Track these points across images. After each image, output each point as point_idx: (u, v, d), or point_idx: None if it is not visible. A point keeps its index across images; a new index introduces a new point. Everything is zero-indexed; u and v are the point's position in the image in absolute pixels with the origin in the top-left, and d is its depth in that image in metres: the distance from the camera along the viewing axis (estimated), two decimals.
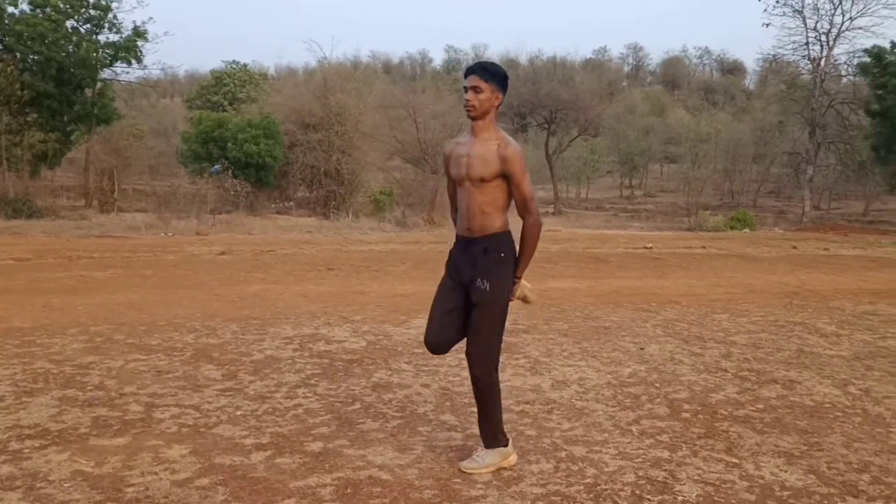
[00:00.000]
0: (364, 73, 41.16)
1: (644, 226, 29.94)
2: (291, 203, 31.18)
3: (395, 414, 4.25)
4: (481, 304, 3.44)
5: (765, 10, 48.02)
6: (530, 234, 3.49)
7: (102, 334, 5.92)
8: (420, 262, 11.62)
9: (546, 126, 43.69)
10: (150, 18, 28.96)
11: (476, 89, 3.44)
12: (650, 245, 16.28)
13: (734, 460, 3.72)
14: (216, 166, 25.41)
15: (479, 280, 3.44)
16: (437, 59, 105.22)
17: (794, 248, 17.48)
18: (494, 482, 3.36)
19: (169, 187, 25.23)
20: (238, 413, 4.14)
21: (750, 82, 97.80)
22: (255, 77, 50.48)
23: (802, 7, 37.61)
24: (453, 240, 3.66)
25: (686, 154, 59.33)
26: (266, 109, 30.71)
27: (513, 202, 3.49)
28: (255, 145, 26.99)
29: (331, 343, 5.89)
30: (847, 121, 39.60)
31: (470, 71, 3.49)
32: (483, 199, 3.45)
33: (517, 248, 3.51)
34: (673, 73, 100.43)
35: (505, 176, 3.41)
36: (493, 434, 3.55)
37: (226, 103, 45.57)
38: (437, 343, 3.58)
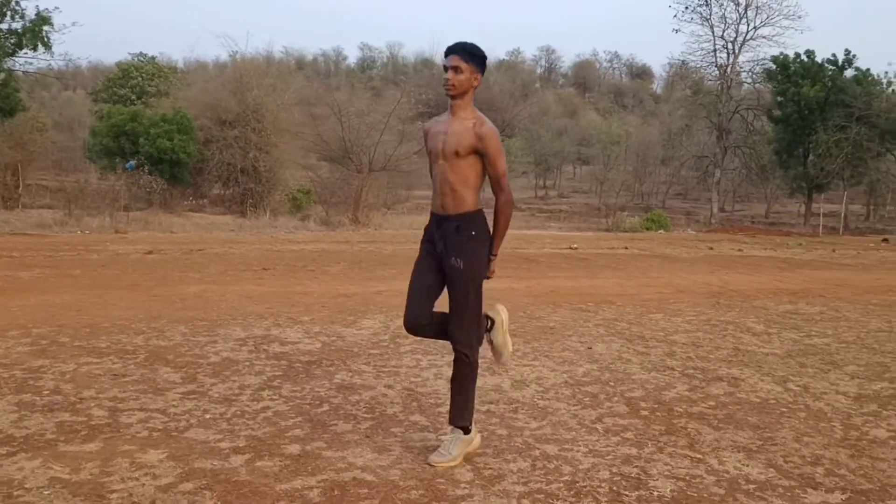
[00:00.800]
0: (279, 68, 40.62)
1: (563, 226, 30.56)
2: (205, 200, 30.52)
3: (364, 415, 4.27)
4: (457, 283, 3.59)
5: (675, 16, 49.54)
6: (503, 211, 3.62)
7: (46, 336, 5.72)
8: (355, 262, 11.59)
9: None
10: (56, 8, 27.74)
11: (456, 69, 3.54)
12: (576, 245, 16.68)
13: (698, 455, 3.89)
14: (132, 162, 24.64)
15: (452, 258, 3.56)
16: (352, 56, 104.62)
17: (711, 248, 18.20)
18: (477, 481, 3.43)
19: (76, 183, 24.29)
20: (207, 416, 4.08)
21: (657, 87, 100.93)
22: (164, 70, 49.03)
23: (710, 15, 39.08)
24: (423, 230, 3.81)
25: (598, 156, 60.92)
26: (178, 104, 29.98)
27: (485, 183, 3.62)
28: (168, 141, 26.32)
29: (285, 344, 5.85)
30: (751, 126, 41.39)
31: (450, 51, 3.58)
32: (456, 176, 3.56)
33: (490, 227, 3.64)
34: (584, 76, 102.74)
35: (479, 154, 3.52)
36: (466, 413, 3.69)
37: (134, 97, 44.09)
38: (416, 323, 3.70)
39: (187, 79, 41.73)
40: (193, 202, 29.18)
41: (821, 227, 31.47)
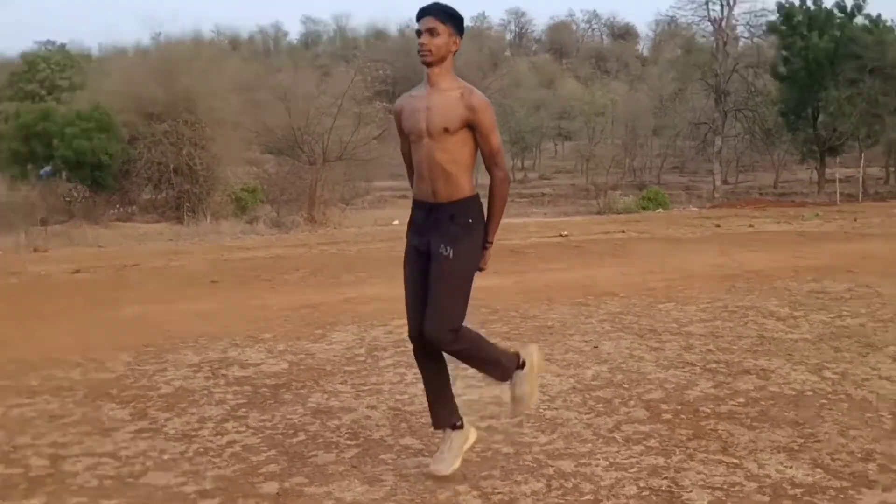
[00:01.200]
0: (210, 50, 40.32)
1: (548, 212, 30.76)
2: (134, 207, 30.19)
3: (347, 442, 4.23)
4: (441, 272, 3.55)
5: None
6: (500, 190, 3.66)
7: None
8: (316, 267, 11.54)
9: None
10: None
11: (432, 31, 3.52)
12: (566, 232, 16.77)
13: (733, 461, 3.90)
14: (46, 168, 24.31)
15: (441, 246, 3.53)
16: (294, 32, 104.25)
17: (718, 226, 18.40)
18: None
19: None
20: (165, 457, 4.02)
21: (643, 48, 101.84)
22: (76, 59, 48.52)
23: None
24: (407, 222, 3.80)
25: (582, 130, 61.19)
26: (96, 98, 29.56)
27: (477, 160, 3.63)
28: (86, 141, 25.94)
29: (246, 367, 5.80)
30: (753, 86, 41.83)
31: (424, 12, 3.56)
32: (446, 156, 3.53)
33: (485, 211, 3.66)
34: (560, 41, 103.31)
35: (471, 127, 3.49)
36: (503, 367, 3.85)
37: (44, 92, 43.57)
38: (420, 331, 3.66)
39: (104, 67, 41.17)
40: (121, 210, 28.88)
41: (837, 195, 31.86)
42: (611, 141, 59.45)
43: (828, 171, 36.95)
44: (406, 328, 3.81)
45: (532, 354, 3.93)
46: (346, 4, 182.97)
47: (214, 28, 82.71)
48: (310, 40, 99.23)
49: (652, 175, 55.81)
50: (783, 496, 3.49)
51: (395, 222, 22.18)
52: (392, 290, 9.16)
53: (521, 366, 3.86)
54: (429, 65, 3.52)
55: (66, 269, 11.62)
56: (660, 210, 26.37)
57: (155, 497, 3.55)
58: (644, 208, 26.81)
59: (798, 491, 3.55)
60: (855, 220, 19.96)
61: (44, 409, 4.86)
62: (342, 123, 24.52)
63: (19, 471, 3.87)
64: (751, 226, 18.53)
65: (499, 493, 3.56)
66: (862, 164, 35.61)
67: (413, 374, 5.52)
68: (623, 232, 17.08)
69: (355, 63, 34.05)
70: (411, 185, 3.73)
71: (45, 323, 7.70)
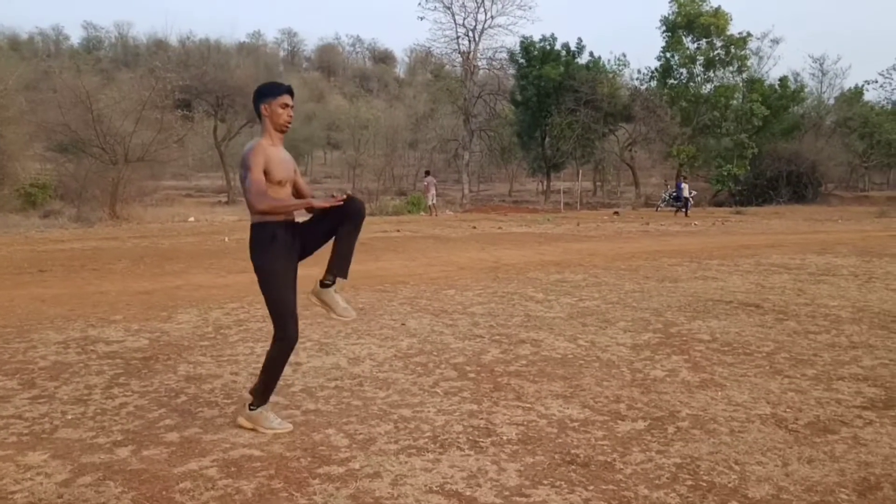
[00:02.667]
0: None
1: None
2: None
3: (225, 401, 4.52)
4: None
5: (419, 3, 51.42)
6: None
7: None
8: (136, 258, 11.25)
9: (213, 113, 42.80)
10: None
11: (293, 108, 4.04)
12: None
13: (527, 405, 4.60)
14: None
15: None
16: (75, 36, 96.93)
17: (474, 227, 19.53)
18: (354, 445, 3.87)
19: None
20: (69, 417, 4.13)
21: (401, 71, 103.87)
22: None
23: (451, 3, 41.06)
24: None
25: (348, 140, 61.71)
26: None
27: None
28: None
29: (111, 344, 5.82)
30: (493, 110, 44.20)
31: (289, 91, 4.02)
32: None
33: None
34: (328, 60, 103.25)
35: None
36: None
37: None
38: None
39: None
40: None
41: (561, 204, 34.51)
42: (374, 151, 60.42)
43: (552, 183, 39.90)
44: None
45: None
46: (127, 13, 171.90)
47: None
48: (91, 45, 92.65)
49: (409, 182, 57.31)
50: (567, 428, 4.22)
51: (192, 219, 21.68)
52: (215, 279, 9.29)
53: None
54: (286, 131, 4.00)
55: None
56: (422, 213, 27.38)
57: (74, 447, 3.70)
58: (409, 211, 27.71)
59: (576, 424, 4.29)
60: (578, 224, 21.86)
61: None
62: (140, 128, 23.52)
63: None
64: (499, 227, 19.82)
65: (360, 433, 4.03)
66: (579, 179, 38.78)
67: (261, 347, 5.86)
68: (398, 231, 17.75)
69: (139, 71, 32.53)
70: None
71: None
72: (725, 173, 37.51)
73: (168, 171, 36.87)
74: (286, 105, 3.95)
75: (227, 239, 13.81)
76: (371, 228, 18.57)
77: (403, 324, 6.86)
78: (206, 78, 41.10)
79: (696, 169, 40.87)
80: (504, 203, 40.42)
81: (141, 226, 18.75)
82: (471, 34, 42.11)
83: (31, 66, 45.05)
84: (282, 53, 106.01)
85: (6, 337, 5.98)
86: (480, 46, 42.98)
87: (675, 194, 31.51)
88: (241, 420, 4.07)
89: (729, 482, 3.54)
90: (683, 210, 29.25)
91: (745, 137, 37.72)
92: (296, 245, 4.04)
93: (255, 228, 3.92)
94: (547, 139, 39.84)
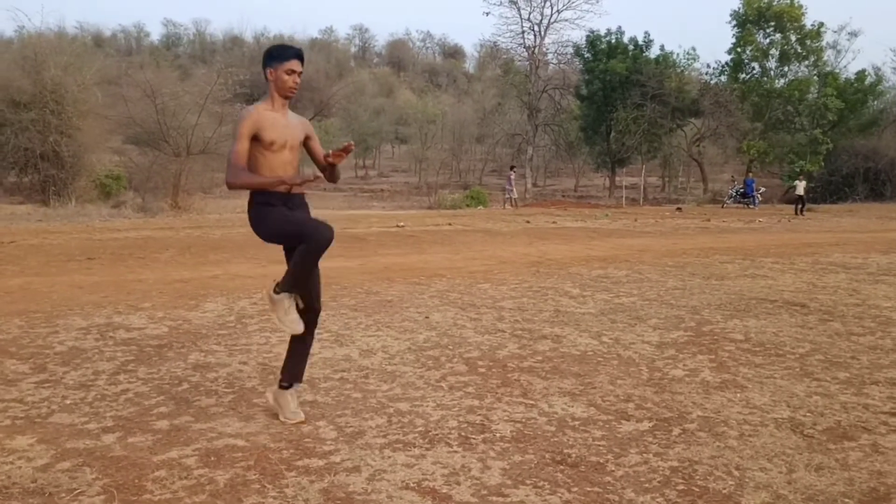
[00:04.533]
0: (75, 45, 38.19)
1: (386, 205, 31.12)
2: None
3: (225, 390, 4.51)
4: None
5: None
6: None
7: None
8: (184, 247, 11.46)
9: None
10: None
11: (300, 74, 3.91)
12: (402, 223, 17.19)
13: (531, 402, 4.46)
14: None
15: None
16: (155, 33, 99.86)
17: (528, 222, 19.33)
18: (341, 438, 3.79)
19: None
20: (67, 402, 4.17)
21: (470, 66, 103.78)
22: None
23: None
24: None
25: (416, 134, 62.10)
26: None
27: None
28: None
29: (131, 331, 5.90)
30: (559, 105, 43.76)
31: (298, 55, 3.89)
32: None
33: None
34: (398, 56, 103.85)
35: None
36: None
37: None
38: None
39: None
40: None
41: (624, 199, 33.98)
42: (440, 146, 60.60)
43: (617, 178, 39.26)
44: None
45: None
46: (205, 11, 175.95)
47: (78, 24, 77.92)
48: (170, 42, 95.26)
49: (475, 177, 57.26)
50: (566, 426, 4.07)
51: None
52: (254, 269, 9.37)
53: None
54: (290, 97, 3.91)
55: None
56: (480, 207, 27.26)
57: (63, 433, 3.72)
58: (468, 205, 27.62)
59: (577, 423, 4.13)
60: (635, 220, 21.43)
61: None
62: (204, 121, 24.04)
63: None
64: (554, 222, 19.56)
65: (350, 426, 3.96)
66: (643, 174, 38.07)
67: (277, 337, 5.84)
68: (450, 224, 17.67)
69: (215, 67, 33.19)
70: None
71: None
72: (798, 170, 36.26)
73: None
74: (292, 71, 3.83)
75: None
76: (424, 222, 18.56)
77: (427, 317, 6.77)
78: None
79: (767, 165, 39.68)
80: (567, 198, 39.97)
81: (199, 216, 19.12)
82: (536, 29, 41.80)
83: (111, 62, 46.49)
84: (353, 49, 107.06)
85: (33, 322, 6.11)
86: (546, 41, 42.64)
87: (742, 191, 30.66)
88: (269, 395, 4.09)
89: (724, 488, 3.34)
90: (752, 206, 28.42)
91: (819, 133, 36.43)
92: (291, 227, 3.83)
93: (254, 196, 3.85)
94: (612, 134, 39.18)
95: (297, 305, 3.91)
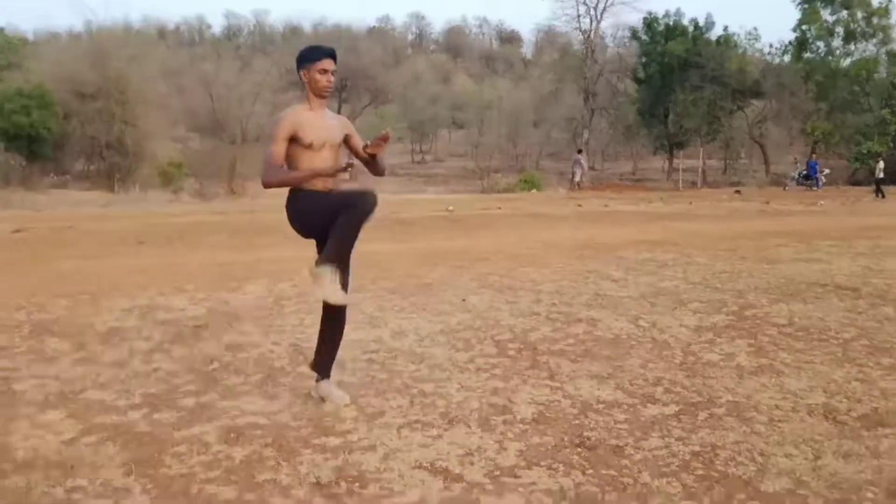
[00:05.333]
0: (139, 38, 39.16)
1: (440, 189, 31.18)
2: (68, 177, 29.41)
3: (254, 369, 4.57)
4: None
5: None
6: None
7: None
8: (234, 232, 11.67)
9: (338, 94, 43.82)
10: None
11: (334, 72, 3.91)
12: (451, 208, 17.19)
13: (557, 384, 4.41)
14: None
15: None
16: (216, 24, 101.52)
17: (580, 206, 19.15)
18: (361, 417, 3.82)
19: None
20: (101, 379, 4.29)
21: (527, 51, 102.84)
22: (13, 42, 46.20)
23: None
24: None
25: (472, 120, 61.87)
26: (32, 77, 28.58)
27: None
28: (25, 116, 25.21)
29: (171, 311, 6.03)
30: (616, 88, 43.14)
31: (330, 54, 3.88)
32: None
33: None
34: (455, 42, 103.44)
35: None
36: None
37: None
38: None
39: (39, 50, 39.50)
40: (56, 178, 28.08)
41: (680, 182, 33.36)
42: (497, 131, 60.25)
43: (676, 161, 38.52)
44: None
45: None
46: (264, 1, 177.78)
47: (143, 17, 79.58)
48: (231, 33, 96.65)
49: (532, 161, 56.84)
50: (589, 409, 4.01)
51: None
52: (298, 252, 9.44)
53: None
54: (326, 97, 3.92)
55: (7, 229, 11.44)
56: (534, 191, 27.09)
57: (92, 408, 3.83)
58: (521, 189, 27.48)
59: (601, 406, 4.07)
60: (690, 203, 21.03)
61: None
62: (259, 109, 24.43)
63: None
64: (606, 206, 19.33)
65: (371, 407, 3.98)
66: (702, 157, 37.29)
67: (311, 319, 5.87)
68: (500, 208, 17.62)
69: (273, 57, 33.68)
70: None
71: None
72: (865, 151, 35.01)
73: None
74: (325, 70, 3.84)
75: None
76: (473, 206, 18.54)
77: (464, 300, 6.75)
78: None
79: (832, 146, 38.43)
80: (624, 181, 39.42)
81: (253, 201, 19.42)
82: (592, 12, 41.20)
83: (174, 53, 47.47)
84: (409, 36, 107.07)
85: (80, 302, 6.30)
86: (603, 24, 42.03)
87: (805, 173, 29.80)
88: (321, 389, 4.06)
89: (744, 474, 3.26)
90: (815, 189, 27.64)
91: (887, 113, 35.08)
92: (329, 216, 3.81)
93: (293, 193, 3.89)
94: (670, 117, 38.42)
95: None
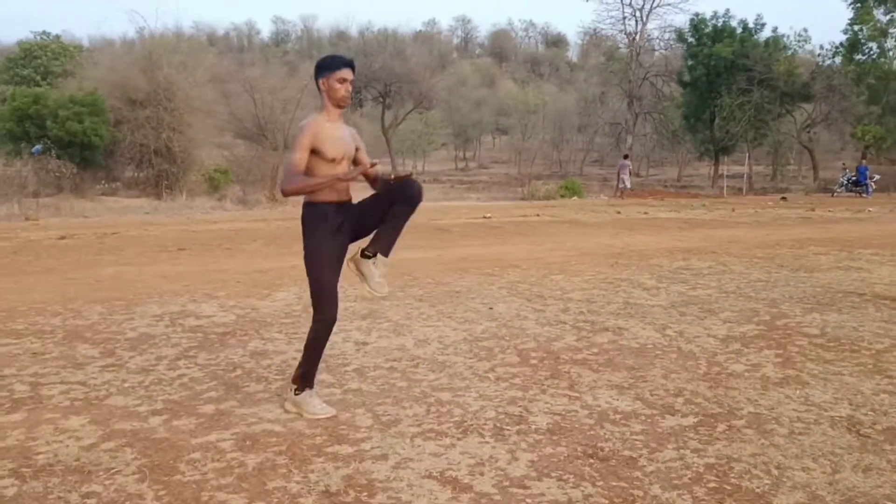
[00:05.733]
0: (189, 45, 39.95)
1: (481, 196, 31.11)
2: (118, 184, 30.02)
3: (276, 377, 4.63)
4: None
5: None
6: None
7: None
8: (271, 239, 11.81)
9: (381, 100, 44.07)
10: None
11: (353, 83, 3.94)
12: (489, 215, 17.16)
13: (575, 394, 4.39)
14: (37, 146, 24.05)
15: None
16: (265, 30, 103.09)
17: (619, 213, 18.96)
18: (376, 426, 3.85)
19: None
20: (126, 385, 4.38)
21: (573, 55, 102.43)
22: (69, 49, 47.48)
23: None
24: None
25: (516, 125, 61.82)
26: (86, 84, 29.29)
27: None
28: (78, 123, 25.79)
29: (201, 318, 6.13)
30: (661, 92, 42.64)
31: (348, 64, 3.92)
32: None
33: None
34: (501, 46, 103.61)
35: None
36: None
37: (38, 77, 42.70)
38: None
39: (93, 57, 40.50)
40: (106, 186, 28.68)
41: (724, 188, 32.83)
42: (541, 136, 60.10)
43: (722, 167, 37.90)
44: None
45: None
46: (312, 7, 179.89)
47: (194, 24, 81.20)
48: (280, 38, 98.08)
49: (576, 167, 56.53)
50: (605, 420, 3.99)
51: None
52: None
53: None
54: (344, 106, 3.93)
55: (54, 236, 11.73)
56: (575, 198, 26.92)
57: (115, 414, 3.92)
58: (562, 196, 27.31)
59: (618, 416, 4.05)
60: (733, 210, 20.67)
61: (28, 347, 5.17)
62: (301, 115, 24.65)
63: (5, 394, 4.20)
64: (646, 213, 19.09)
65: (388, 415, 4.01)
66: (748, 162, 36.67)
67: (338, 326, 5.91)
68: (538, 215, 17.52)
69: (298, 63, 34.04)
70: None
71: (33, 279, 7.90)
72: None
73: None
74: (344, 80, 3.85)
75: None
76: (511, 213, 18.47)
77: (491, 308, 6.75)
78: (375, 66, 42.32)
79: (884, 151, 37.49)
80: (668, 188, 38.92)
81: (294, 208, 19.60)
82: (638, 14, 40.85)
83: (222, 59, 48.21)
84: (455, 40, 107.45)
85: (113, 308, 6.43)
86: (648, 26, 41.63)
87: (854, 178, 29.12)
88: (288, 405, 4.06)
89: (758, 487, 3.22)
90: (864, 195, 27.01)
91: None
92: (347, 226, 3.91)
93: (307, 208, 3.89)
94: (716, 121, 37.83)
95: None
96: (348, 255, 4.01)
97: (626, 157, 32.16)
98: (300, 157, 3.80)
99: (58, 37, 49.97)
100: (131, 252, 10.09)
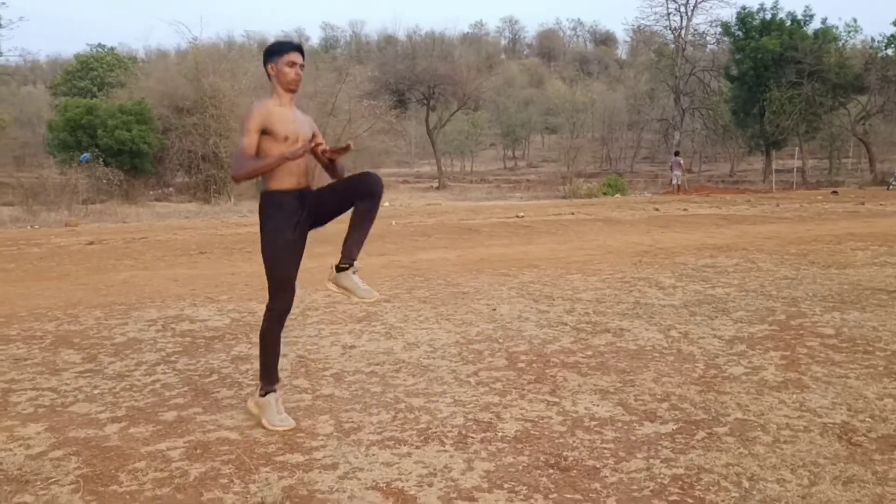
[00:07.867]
0: (237, 53, 40.51)
1: (524, 195, 30.84)
2: (171, 189, 30.60)
3: (250, 382, 4.51)
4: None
5: None
6: None
7: None
8: None
9: (426, 101, 44.00)
10: (3, 3, 27.76)
11: (302, 66, 3.80)
12: (522, 214, 16.92)
13: (555, 400, 4.18)
14: (86, 154, 24.64)
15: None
16: (314, 37, 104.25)
17: (657, 210, 18.50)
18: (335, 433, 3.69)
19: (37, 179, 24.24)
20: (95, 392, 4.31)
21: (622, 52, 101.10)
22: (124, 61, 48.66)
23: None
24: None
25: (565, 124, 61.29)
26: (136, 94, 29.95)
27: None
28: (127, 132, 26.38)
29: (194, 322, 6.07)
30: (708, 87, 41.74)
31: (297, 48, 3.80)
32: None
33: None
34: (549, 46, 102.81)
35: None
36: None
37: (95, 89, 43.83)
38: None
39: (147, 68, 41.42)
40: (158, 191, 29.28)
41: (773, 183, 31.92)
42: (590, 134, 59.46)
43: (777, 161, 36.87)
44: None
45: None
46: (361, 12, 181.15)
47: (245, 33, 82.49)
48: (329, 44, 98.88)
49: (626, 164, 55.72)
50: (578, 427, 3.77)
51: (386, 203, 22.40)
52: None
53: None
54: (295, 90, 3.80)
55: (83, 241, 11.88)
56: (618, 195, 26.46)
57: (74, 421, 3.84)
58: (604, 194, 26.87)
59: (593, 423, 3.82)
60: (777, 204, 20.04)
61: (12, 353, 5.15)
62: (334, 120, 24.78)
63: None
64: (685, 210, 18.60)
65: (350, 422, 3.85)
66: (799, 156, 35.60)
67: (329, 329, 5.84)
68: (573, 214, 17.19)
69: (368, 66, 34.08)
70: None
71: (45, 284, 7.96)
72: None
73: (391, 159, 38.32)
74: (293, 63, 3.73)
75: (394, 223, 14.09)
76: (546, 212, 18.15)
77: (494, 309, 6.55)
78: (418, 69, 42.28)
79: None
80: (719, 184, 38.01)
81: None
82: (682, 9, 40.06)
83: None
84: (503, 41, 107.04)
85: (111, 313, 6.41)
86: (694, 21, 40.80)
87: None
88: (250, 403, 3.95)
89: (723, 500, 2.98)
90: None
91: None
92: (306, 215, 3.79)
93: (264, 196, 3.78)
94: (766, 115, 36.81)
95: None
96: (327, 276, 3.94)
97: (676, 153, 31.77)
98: (248, 140, 3.66)
99: (112, 49, 51.24)
100: (152, 256, 10.14)
